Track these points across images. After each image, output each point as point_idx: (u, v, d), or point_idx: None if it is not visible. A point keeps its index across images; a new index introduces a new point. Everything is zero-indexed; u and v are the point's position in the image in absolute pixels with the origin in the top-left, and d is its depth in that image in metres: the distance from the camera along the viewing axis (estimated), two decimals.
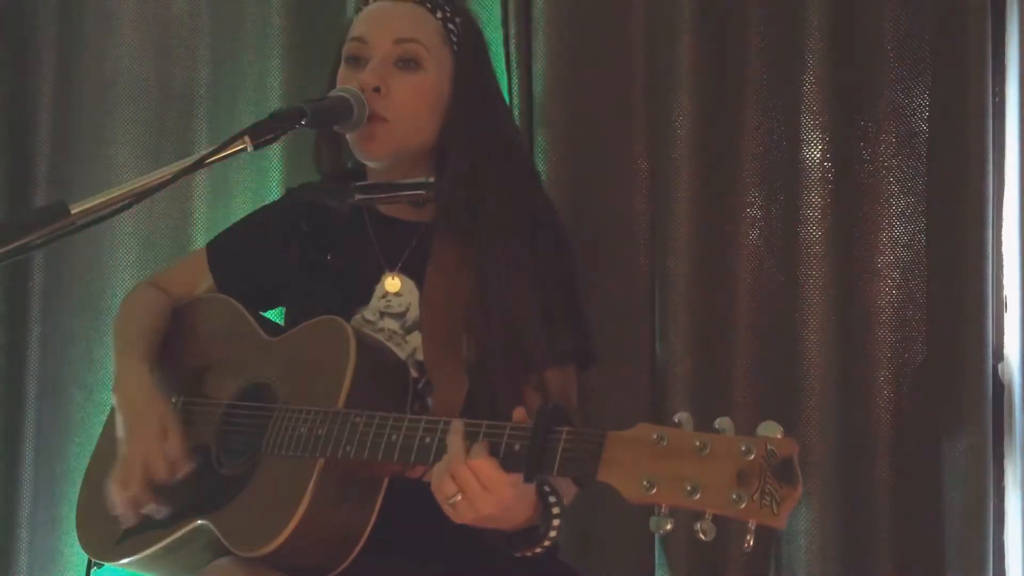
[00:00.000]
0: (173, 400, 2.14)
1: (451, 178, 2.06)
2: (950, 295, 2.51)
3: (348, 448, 1.83)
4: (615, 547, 2.60)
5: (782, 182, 2.59)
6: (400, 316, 2.08)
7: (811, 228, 2.55)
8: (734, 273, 2.58)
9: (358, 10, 2.20)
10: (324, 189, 2.10)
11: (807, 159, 2.56)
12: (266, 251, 2.24)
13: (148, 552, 2.03)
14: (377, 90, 2.04)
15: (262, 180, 2.81)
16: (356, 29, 2.12)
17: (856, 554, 2.52)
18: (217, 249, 2.31)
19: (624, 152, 2.63)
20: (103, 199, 1.69)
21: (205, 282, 2.28)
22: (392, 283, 2.11)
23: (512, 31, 2.64)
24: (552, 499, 1.78)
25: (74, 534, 2.86)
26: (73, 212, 1.66)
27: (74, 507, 2.87)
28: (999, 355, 2.54)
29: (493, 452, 1.70)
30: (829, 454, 2.51)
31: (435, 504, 1.76)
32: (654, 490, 1.54)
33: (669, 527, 1.53)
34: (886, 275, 2.55)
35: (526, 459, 1.66)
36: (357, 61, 2.09)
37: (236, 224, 2.37)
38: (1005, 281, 2.55)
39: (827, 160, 2.55)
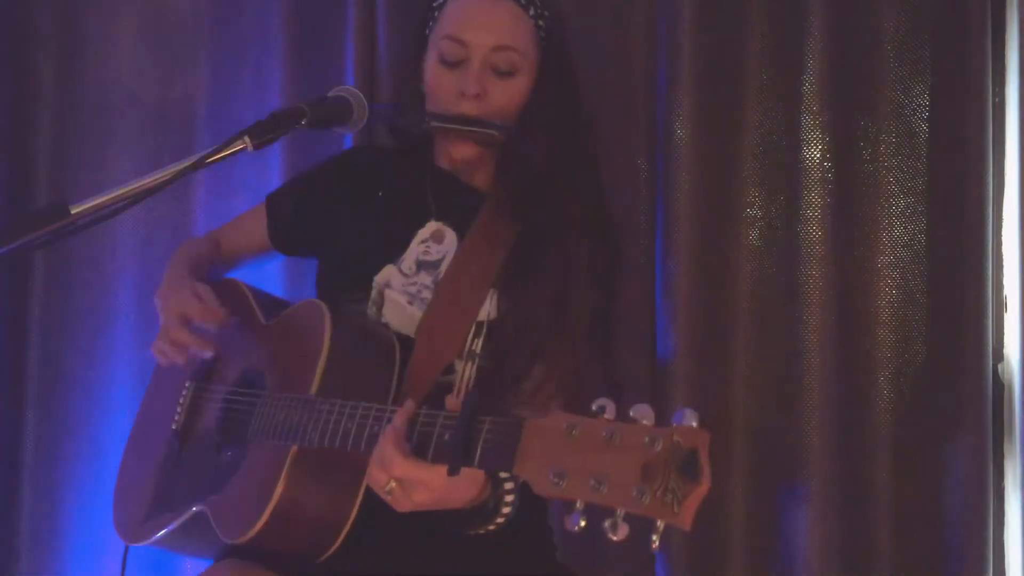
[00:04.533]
0: (187, 385, 2.20)
1: (523, 164, 2.09)
2: (950, 295, 2.52)
3: (313, 435, 1.84)
4: (615, 547, 2.60)
5: (782, 182, 2.59)
6: (435, 266, 2.09)
7: (811, 228, 2.55)
8: (734, 273, 2.58)
9: None
10: (398, 112, 2.11)
11: (807, 159, 2.56)
12: (321, 193, 2.26)
13: (164, 532, 2.07)
14: (477, 96, 2.07)
15: (263, 180, 2.81)
16: (454, 27, 2.10)
17: (856, 554, 2.52)
18: (274, 201, 2.35)
19: (624, 152, 2.63)
20: (103, 199, 1.69)
21: (259, 234, 2.32)
22: (436, 228, 2.12)
23: None
24: (504, 474, 1.76)
25: (74, 534, 2.89)
26: (73, 212, 1.66)
27: (74, 508, 2.89)
28: (999, 355, 2.54)
29: (424, 442, 1.68)
30: (829, 454, 2.51)
31: (451, 521, 1.77)
32: (562, 484, 1.45)
33: (583, 524, 1.44)
34: (886, 275, 2.55)
35: (448, 451, 1.62)
36: (455, 63, 2.09)
37: (296, 176, 2.42)
38: (1005, 281, 2.55)
39: (827, 160, 2.55)
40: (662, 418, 1.44)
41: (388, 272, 2.09)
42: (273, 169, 2.79)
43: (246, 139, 1.81)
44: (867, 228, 2.56)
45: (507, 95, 2.09)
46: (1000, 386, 2.54)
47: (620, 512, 1.40)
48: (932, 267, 2.55)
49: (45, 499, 2.90)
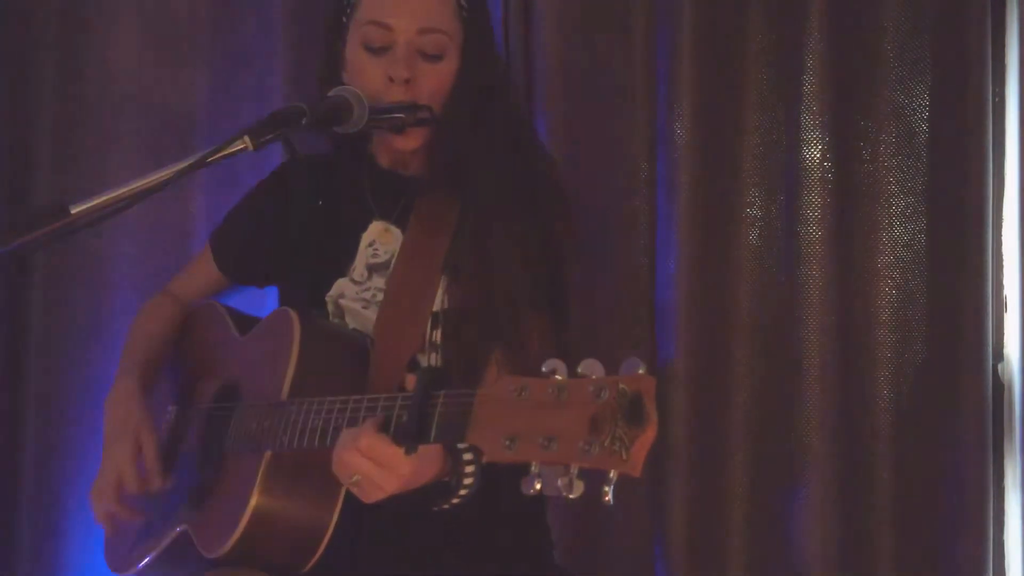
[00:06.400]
0: (169, 409, 2.17)
1: (449, 139, 2.03)
2: (950, 295, 2.52)
3: (284, 438, 1.81)
4: (615, 547, 2.61)
5: (782, 182, 2.59)
6: (385, 267, 2.05)
7: (811, 228, 2.55)
8: (734, 273, 2.58)
9: None
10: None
11: (807, 159, 2.56)
12: (261, 220, 2.23)
13: (150, 559, 2.05)
14: (407, 81, 2.01)
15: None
16: (377, 12, 2.04)
17: (856, 554, 2.52)
18: (217, 235, 2.31)
19: (624, 152, 2.63)
20: (103, 199, 1.69)
21: (211, 273, 2.29)
22: (381, 228, 2.08)
23: (512, 31, 2.64)
24: (461, 446, 1.73)
25: (74, 536, 2.88)
26: (73, 212, 1.66)
27: (74, 508, 2.89)
28: (999, 355, 2.54)
29: (386, 426, 1.66)
30: (829, 454, 2.51)
31: (412, 501, 1.76)
32: (514, 447, 1.43)
33: (538, 486, 1.41)
34: (886, 275, 2.55)
35: (406, 431, 1.61)
36: (379, 48, 2.03)
37: (234, 207, 2.36)
38: (1005, 281, 2.55)
39: (827, 160, 2.55)
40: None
41: (340, 286, 2.06)
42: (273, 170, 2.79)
43: (246, 139, 1.80)
44: (867, 228, 2.56)
45: (437, 79, 2.02)
46: (1000, 386, 2.54)
47: (574, 469, 1.39)
48: (932, 267, 2.55)
49: (45, 498, 2.90)
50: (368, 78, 2.02)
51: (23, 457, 2.91)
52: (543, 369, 1.44)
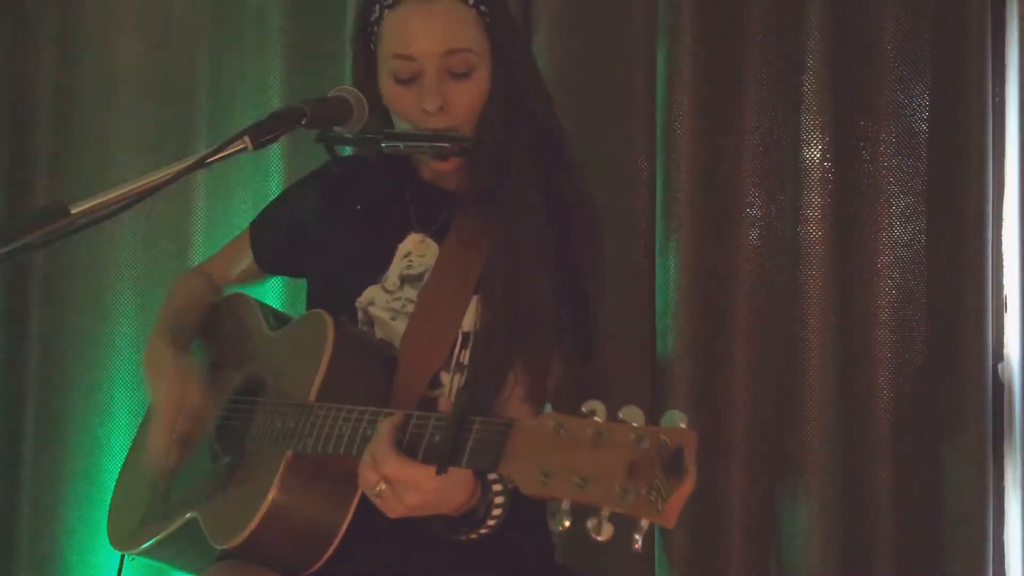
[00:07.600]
0: None
1: (484, 154, 2.03)
2: (950, 295, 2.52)
3: (308, 440, 1.82)
4: (615, 547, 2.60)
5: (782, 182, 2.59)
6: (419, 279, 2.05)
7: (811, 228, 2.55)
8: (734, 273, 2.58)
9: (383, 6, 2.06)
10: (355, 137, 2.01)
11: (807, 159, 2.56)
12: (302, 214, 2.23)
13: (155, 540, 2.05)
14: (441, 108, 2.00)
15: (262, 180, 2.82)
16: (399, 44, 2.02)
17: (856, 554, 2.52)
18: (257, 224, 2.32)
19: (624, 152, 2.63)
20: (103, 199, 1.68)
21: (246, 260, 2.29)
22: (418, 240, 2.08)
23: None
24: (492, 476, 1.74)
25: (73, 535, 2.88)
26: (73, 212, 1.65)
27: (74, 507, 2.89)
28: (999, 355, 2.54)
29: (415, 443, 1.67)
30: (829, 454, 2.51)
31: (439, 528, 1.76)
32: (549, 483, 1.44)
33: (567, 524, 1.42)
34: (886, 275, 2.56)
35: (437, 451, 1.62)
36: (409, 79, 2.02)
37: (275, 199, 2.37)
38: (1005, 281, 2.55)
39: (827, 160, 2.55)
40: (655, 419, 1.44)
41: (370, 293, 2.06)
42: (273, 170, 2.80)
43: (246, 139, 1.80)
44: (867, 228, 2.56)
45: (470, 96, 2.01)
46: (1000, 386, 2.54)
47: (605, 511, 1.39)
48: (932, 267, 2.55)
49: (45, 499, 2.90)
50: (404, 110, 2.03)
51: (23, 456, 2.91)
52: (583, 409, 1.45)
